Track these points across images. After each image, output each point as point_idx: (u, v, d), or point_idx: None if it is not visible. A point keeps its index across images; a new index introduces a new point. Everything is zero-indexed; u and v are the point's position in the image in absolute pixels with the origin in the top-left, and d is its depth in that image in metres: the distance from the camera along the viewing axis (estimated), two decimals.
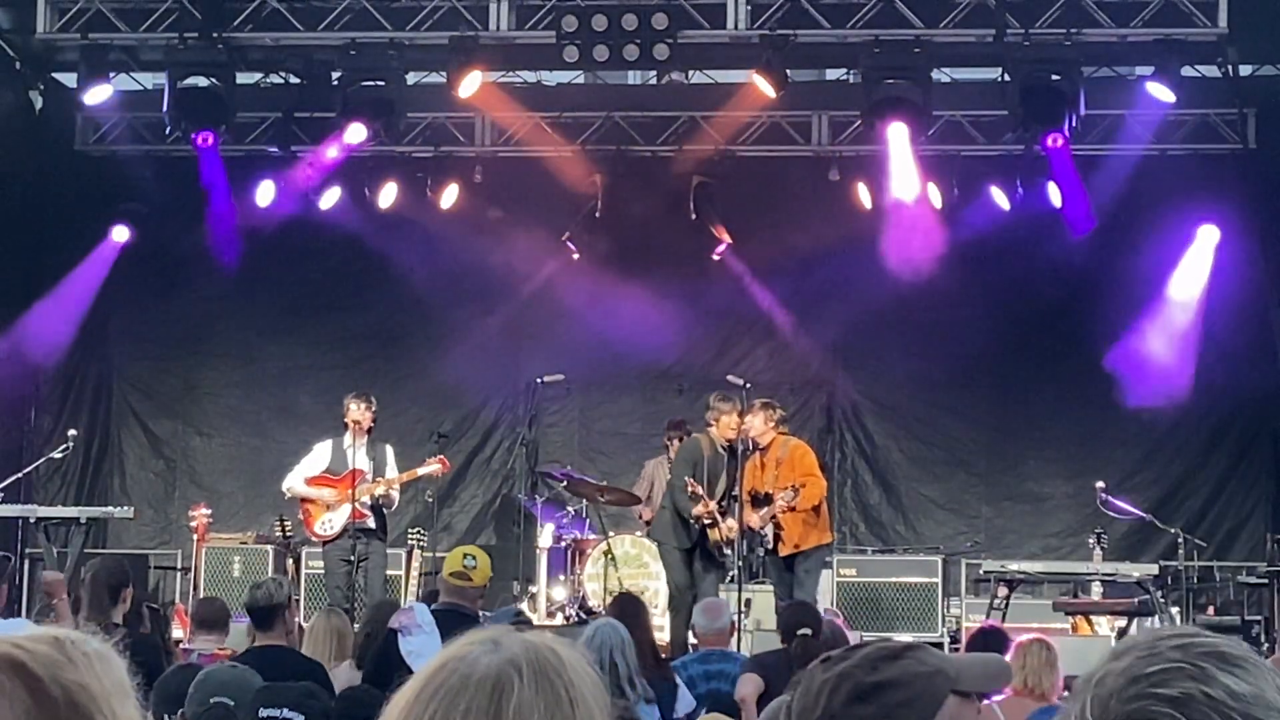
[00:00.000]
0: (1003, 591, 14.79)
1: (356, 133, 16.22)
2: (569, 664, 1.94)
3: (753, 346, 19.10)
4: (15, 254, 18.78)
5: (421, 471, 15.26)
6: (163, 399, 19.69)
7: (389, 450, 14.90)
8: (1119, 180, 17.41)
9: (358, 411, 14.52)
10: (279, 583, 9.22)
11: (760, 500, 14.24)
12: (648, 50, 15.21)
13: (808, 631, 9.52)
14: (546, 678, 1.92)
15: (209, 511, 16.75)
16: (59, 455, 17.10)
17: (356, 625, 13.27)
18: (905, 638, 13.65)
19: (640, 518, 16.87)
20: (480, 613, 9.95)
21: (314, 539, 15.01)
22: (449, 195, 18.46)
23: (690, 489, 14.23)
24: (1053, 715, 7.76)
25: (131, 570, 14.19)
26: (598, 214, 18.36)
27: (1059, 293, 18.01)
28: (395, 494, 14.88)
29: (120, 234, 18.48)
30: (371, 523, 14.60)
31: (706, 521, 14.31)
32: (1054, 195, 17.49)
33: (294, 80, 17.10)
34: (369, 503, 14.52)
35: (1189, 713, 1.75)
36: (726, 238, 18.53)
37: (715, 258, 18.66)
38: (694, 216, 18.38)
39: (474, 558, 9.59)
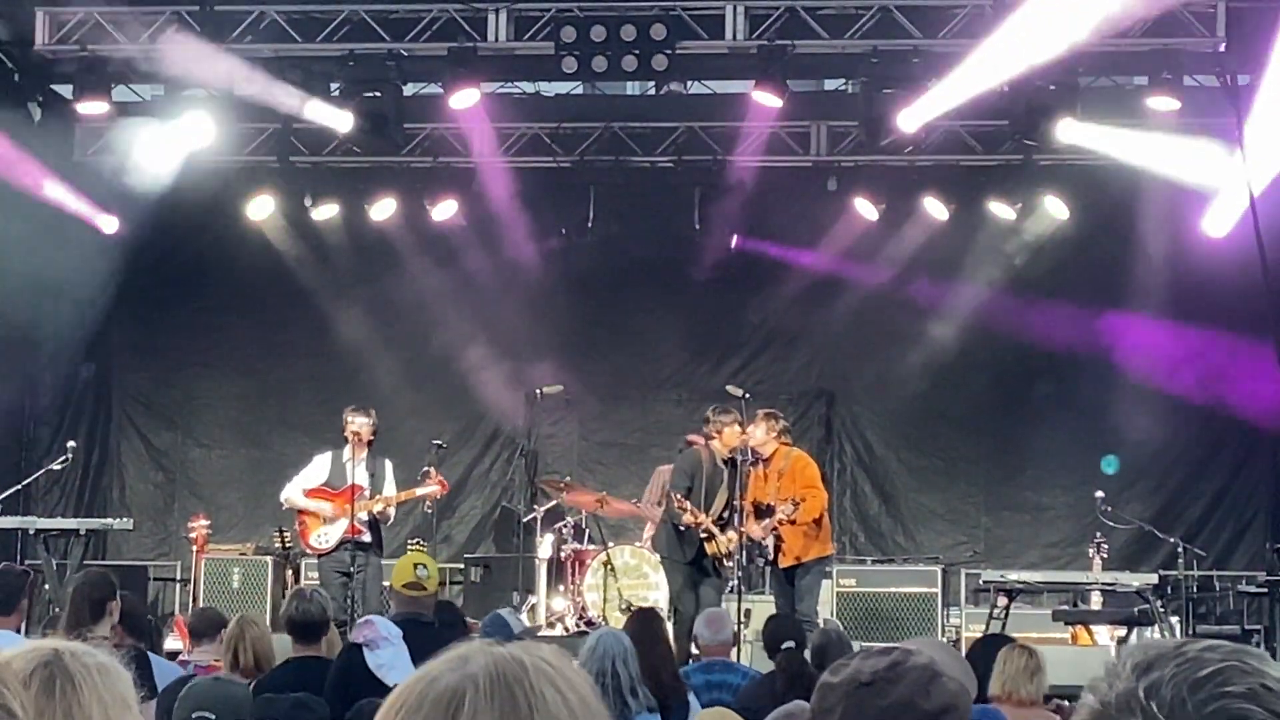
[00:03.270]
0: (1002, 601, 14.78)
1: (344, 121, 16.12)
2: (534, 671, 1.92)
3: (752, 357, 19.11)
4: (15, 262, 18.78)
5: (420, 492, 15.23)
6: (162, 410, 19.70)
7: (388, 466, 14.87)
8: (1118, 189, 17.43)
9: (357, 424, 14.50)
10: (325, 596, 9.13)
11: (763, 511, 14.23)
12: (646, 61, 15.22)
13: (791, 645, 9.52)
14: (505, 687, 1.90)
15: (208, 523, 16.75)
16: (58, 467, 17.08)
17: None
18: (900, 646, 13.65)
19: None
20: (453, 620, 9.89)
21: (309, 551, 14.99)
22: (448, 206, 18.46)
23: (678, 505, 14.24)
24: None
25: (129, 582, 14.20)
26: (590, 224, 18.36)
27: (1059, 302, 18.03)
28: (392, 510, 14.86)
29: (109, 225, 18.35)
30: (367, 537, 14.57)
31: (703, 535, 14.30)
32: (1054, 206, 17.51)
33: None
34: (366, 518, 14.50)
35: (1265, 704, 1.80)
36: (733, 242, 18.55)
37: (732, 248, 18.60)
38: (697, 226, 18.39)
39: (425, 566, 9.54)
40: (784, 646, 9.46)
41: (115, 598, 8.74)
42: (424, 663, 1.96)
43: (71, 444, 17.09)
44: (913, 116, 15.41)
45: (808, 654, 9.61)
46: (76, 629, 8.16)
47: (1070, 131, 15.47)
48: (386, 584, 15.96)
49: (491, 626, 9.34)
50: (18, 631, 8.78)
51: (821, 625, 13.96)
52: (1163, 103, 15.76)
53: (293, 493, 14.87)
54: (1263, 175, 14.53)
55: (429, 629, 8.99)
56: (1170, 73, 15.47)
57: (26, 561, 16.61)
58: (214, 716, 6.58)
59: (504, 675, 1.90)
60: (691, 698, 9.00)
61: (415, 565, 9.51)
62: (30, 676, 2.63)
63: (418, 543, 16.46)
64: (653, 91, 18.49)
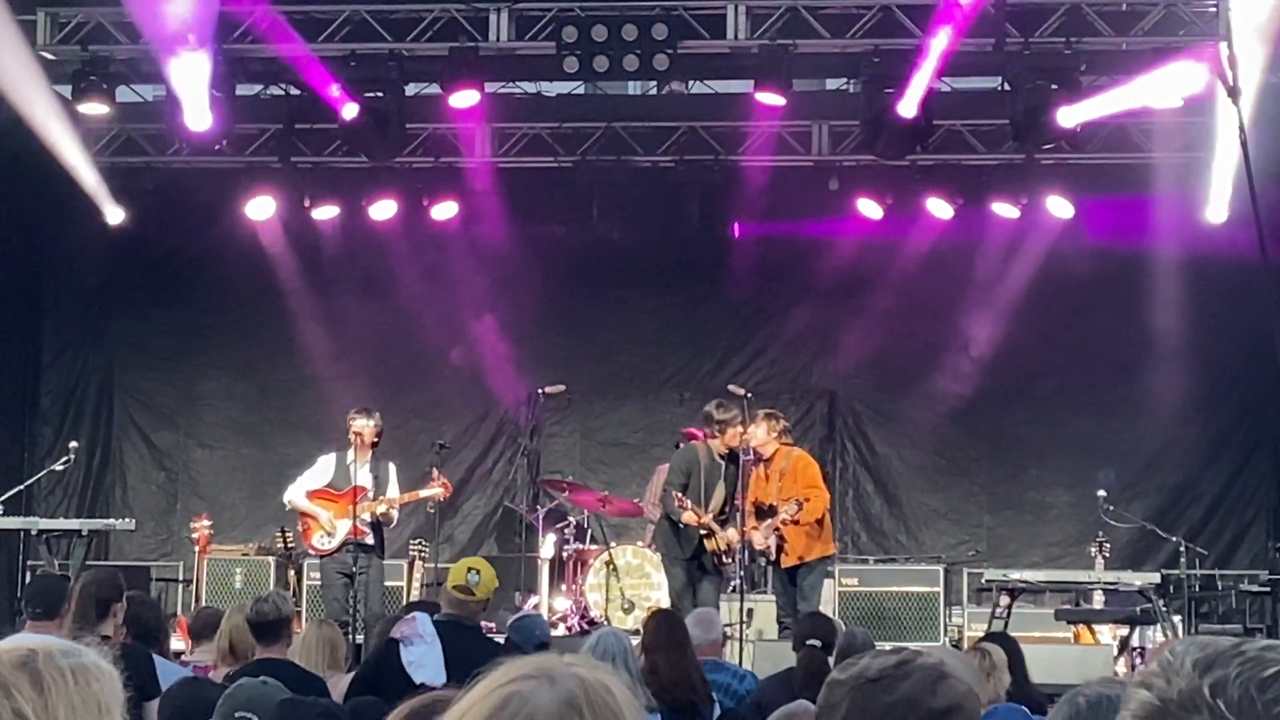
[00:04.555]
0: (1005, 600, 14.77)
1: (349, 110, 16.07)
2: (623, 704, 1.95)
3: (753, 356, 19.11)
4: (17, 265, 18.81)
5: (423, 494, 15.22)
6: (164, 411, 19.71)
7: (392, 468, 14.85)
8: (1119, 188, 17.43)
9: (359, 425, 14.49)
10: (284, 597, 9.18)
11: (764, 512, 14.23)
12: (647, 61, 15.20)
13: (816, 644, 9.50)
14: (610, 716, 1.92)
15: (210, 523, 16.75)
16: (60, 467, 17.08)
17: (359, 639, 13.31)
18: (910, 648, 13.65)
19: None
20: (484, 623, 9.92)
21: (312, 552, 15.00)
22: (449, 206, 18.45)
23: (678, 503, 14.24)
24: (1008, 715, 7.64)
25: (132, 583, 14.22)
26: (592, 223, 18.35)
27: (1061, 302, 18.04)
28: (395, 512, 14.86)
29: (114, 215, 18.28)
30: (370, 539, 14.57)
31: (703, 532, 14.31)
32: (1057, 204, 17.50)
33: (294, 92, 17.10)
34: (369, 520, 14.50)
35: None
36: (735, 231, 18.55)
37: (735, 238, 18.58)
38: (699, 226, 18.38)
39: (478, 572, 9.50)
40: (808, 643, 9.44)
41: (121, 599, 8.79)
42: (461, 666, 1.97)
43: (73, 444, 17.10)
44: (910, 101, 15.34)
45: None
46: (81, 627, 8.19)
47: (1070, 116, 15.39)
48: (397, 584, 16.06)
49: (521, 633, 9.33)
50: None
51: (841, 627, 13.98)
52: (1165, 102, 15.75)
53: (295, 495, 14.87)
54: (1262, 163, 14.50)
55: (471, 632, 9.00)
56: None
57: (29, 562, 16.66)
58: (255, 717, 6.60)
59: (603, 707, 1.92)
60: (717, 701, 9.02)
61: (469, 570, 9.49)
62: None
63: (419, 543, 16.47)
64: (654, 91, 18.48)
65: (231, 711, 6.56)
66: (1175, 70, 14.87)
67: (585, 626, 15.62)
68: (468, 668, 2.11)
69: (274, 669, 8.19)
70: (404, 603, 15.86)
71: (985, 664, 7.98)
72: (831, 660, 9.51)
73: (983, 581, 15.87)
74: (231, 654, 8.97)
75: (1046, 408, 18.42)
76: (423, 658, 8.20)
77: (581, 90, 18.36)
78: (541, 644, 9.37)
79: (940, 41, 14.72)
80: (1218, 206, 16.58)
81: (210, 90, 15.59)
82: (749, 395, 14.89)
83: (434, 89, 16.87)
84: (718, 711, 8.94)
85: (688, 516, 14.21)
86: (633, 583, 16.15)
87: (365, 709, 7.10)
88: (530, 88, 18.08)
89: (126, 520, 16.34)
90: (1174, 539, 16.57)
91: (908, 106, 15.27)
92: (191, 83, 15.34)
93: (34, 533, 15.98)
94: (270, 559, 16.91)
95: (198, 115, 15.58)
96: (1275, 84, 16.49)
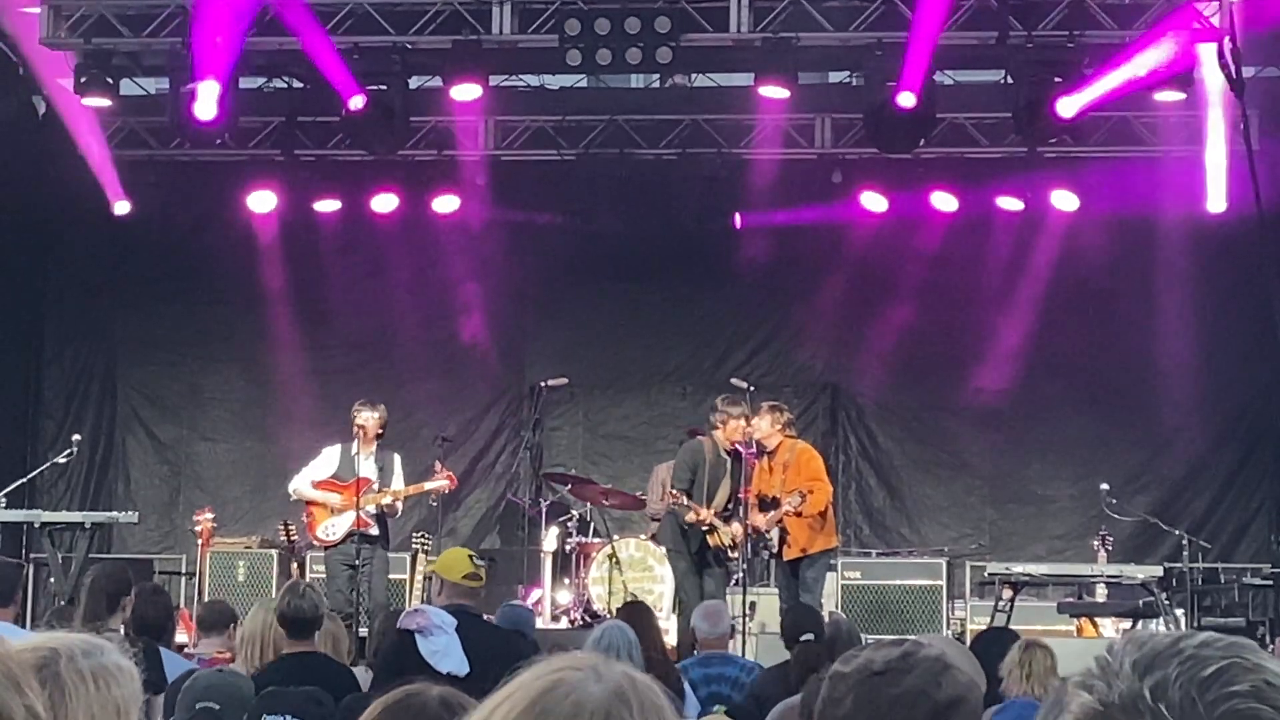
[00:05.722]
0: (1007, 594, 14.78)
1: (356, 101, 16.04)
2: (667, 707, 1.98)
3: (756, 349, 19.11)
4: (20, 257, 18.82)
5: (428, 486, 15.25)
6: (167, 404, 19.71)
7: (397, 459, 14.87)
8: (1122, 181, 17.42)
9: (364, 418, 14.51)
10: (320, 592, 9.10)
11: (767, 504, 14.24)
12: (650, 54, 15.20)
13: (810, 637, 9.51)
14: (650, 718, 1.95)
15: (213, 516, 16.75)
16: (63, 460, 17.04)
17: (364, 630, 13.32)
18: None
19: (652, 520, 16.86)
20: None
21: (316, 543, 15.01)
22: (451, 199, 18.45)
23: (676, 503, 14.25)
24: (1024, 711, 7.64)
25: (135, 575, 14.25)
26: (594, 217, 18.35)
27: (1064, 295, 18.04)
28: (400, 505, 14.88)
29: (122, 207, 18.27)
30: (374, 530, 14.59)
31: (704, 528, 14.32)
32: (1061, 198, 17.49)
33: (297, 85, 17.09)
34: (373, 511, 14.52)
35: (1270, 701, 1.78)
36: (737, 222, 18.54)
37: (737, 229, 18.55)
38: (701, 220, 18.38)
39: (480, 556, 9.57)
40: (803, 638, 9.45)
41: (130, 592, 8.80)
42: (479, 654, 2.00)
43: (76, 437, 17.07)
44: (909, 93, 15.31)
45: None
46: (93, 621, 8.21)
47: (1069, 105, 15.36)
48: (400, 576, 16.06)
49: (504, 616, 9.34)
50: (15, 623, 8.81)
51: (829, 617, 13.99)
52: (1168, 95, 15.74)
53: (301, 484, 14.90)
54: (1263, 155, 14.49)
55: (481, 621, 9.01)
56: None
57: (32, 555, 16.66)
58: (218, 707, 6.61)
59: (649, 704, 1.95)
60: (688, 689, 9.00)
61: (471, 556, 9.51)
62: None
63: (423, 535, 16.47)
64: (657, 84, 18.48)
65: (193, 703, 6.57)
66: (1165, 46, 14.81)
67: (588, 620, 15.62)
68: (485, 655, 2.13)
69: (306, 662, 8.21)
70: (407, 595, 15.88)
71: (1054, 661, 7.93)
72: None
73: (985, 575, 15.89)
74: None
75: (1049, 401, 18.41)
76: (447, 647, 8.17)
77: (584, 83, 18.36)
78: (518, 633, 9.42)
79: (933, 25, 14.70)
80: (1217, 198, 16.58)
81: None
82: (751, 388, 14.89)
83: (436, 82, 16.88)
84: (694, 706, 8.92)
85: (690, 516, 14.24)
86: (635, 576, 16.14)
87: (358, 704, 7.10)
88: (533, 80, 18.08)
89: (129, 513, 16.36)
90: (1177, 532, 16.56)
91: (906, 96, 15.27)
92: (210, 70, 15.34)
93: (37, 525, 15.96)
94: (273, 552, 16.91)
95: (206, 105, 15.56)
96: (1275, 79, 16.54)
